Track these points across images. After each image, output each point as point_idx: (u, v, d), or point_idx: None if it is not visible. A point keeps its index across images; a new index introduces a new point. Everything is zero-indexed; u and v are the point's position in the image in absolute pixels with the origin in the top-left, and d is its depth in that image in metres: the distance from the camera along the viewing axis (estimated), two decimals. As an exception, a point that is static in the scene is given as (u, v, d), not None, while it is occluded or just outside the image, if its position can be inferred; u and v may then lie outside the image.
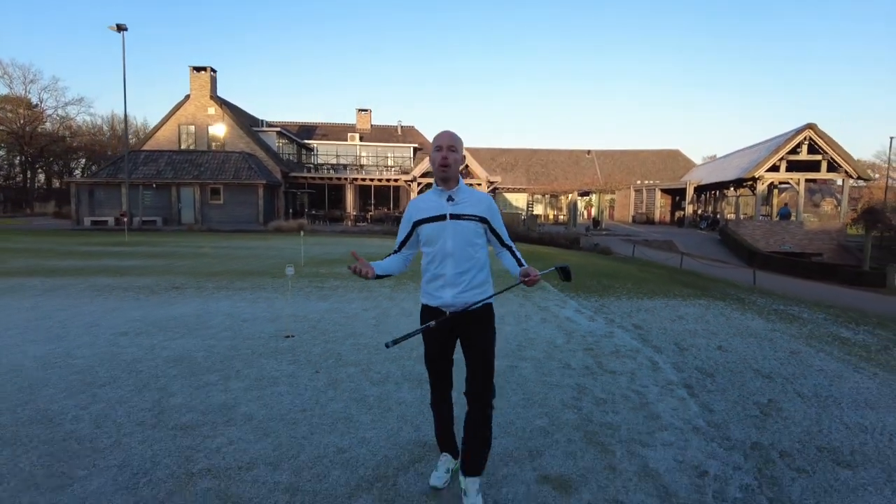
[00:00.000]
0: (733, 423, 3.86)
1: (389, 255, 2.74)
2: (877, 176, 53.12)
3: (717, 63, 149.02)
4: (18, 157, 63.36)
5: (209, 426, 3.59)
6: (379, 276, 2.60)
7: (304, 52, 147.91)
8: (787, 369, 5.24)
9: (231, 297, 8.50)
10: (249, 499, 2.73)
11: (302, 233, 18.80)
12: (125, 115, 29.84)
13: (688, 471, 3.14)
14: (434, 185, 2.71)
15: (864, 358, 5.82)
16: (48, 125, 63.26)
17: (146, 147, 35.08)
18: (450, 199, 2.65)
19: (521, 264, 2.69)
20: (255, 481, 2.90)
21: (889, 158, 37.90)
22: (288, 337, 5.98)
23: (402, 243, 2.75)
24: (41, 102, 63.74)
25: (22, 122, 59.81)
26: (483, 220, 2.66)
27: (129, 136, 75.92)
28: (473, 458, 2.66)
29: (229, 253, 16.32)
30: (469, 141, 52.44)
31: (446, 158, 2.62)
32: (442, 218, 2.62)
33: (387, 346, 2.49)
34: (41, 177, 70.40)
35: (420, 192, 38.10)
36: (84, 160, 71.00)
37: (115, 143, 71.55)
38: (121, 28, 27.39)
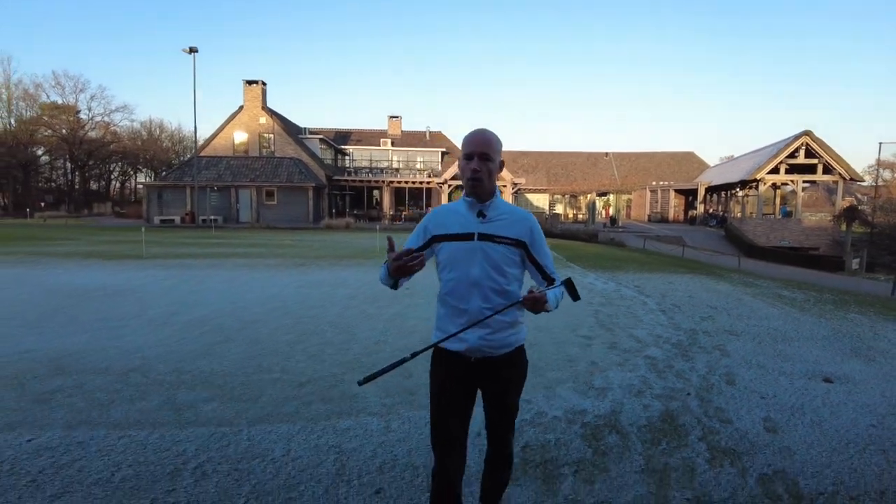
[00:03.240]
0: (683, 322, 7.21)
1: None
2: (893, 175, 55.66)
3: (733, 65, 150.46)
4: (67, 162, 67.95)
5: (389, 323, 7.05)
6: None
7: (338, 63, 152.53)
8: (729, 306, 8.56)
9: (346, 269, 12.06)
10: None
11: (378, 229, 22.26)
12: (195, 128, 33.83)
13: (652, 336, 6.48)
14: (463, 195, 2.12)
15: (784, 303, 9.13)
16: (93, 132, 67.72)
17: (205, 153, 39.01)
18: (481, 214, 2.05)
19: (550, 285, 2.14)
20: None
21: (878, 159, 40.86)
22: (407, 289, 9.45)
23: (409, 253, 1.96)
24: (90, 110, 68.41)
25: (71, 128, 64.34)
26: (520, 243, 2.07)
27: (179, 143, 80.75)
28: (492, 494, 2.33)
29: (309, 244, 19.98)
30: (492, 144, 55.34)
31: (477, 171, 2.00)
32: (468, 237, 2.03)
33: (359, 384, 1.92)
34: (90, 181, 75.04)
35: (450, 195, 41.63)
36: (121, 164, 75.86)
37: (155, 148, 76.32)
38: (192, 50, 31.29)
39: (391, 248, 1.95)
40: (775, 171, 32.59)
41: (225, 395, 4.11)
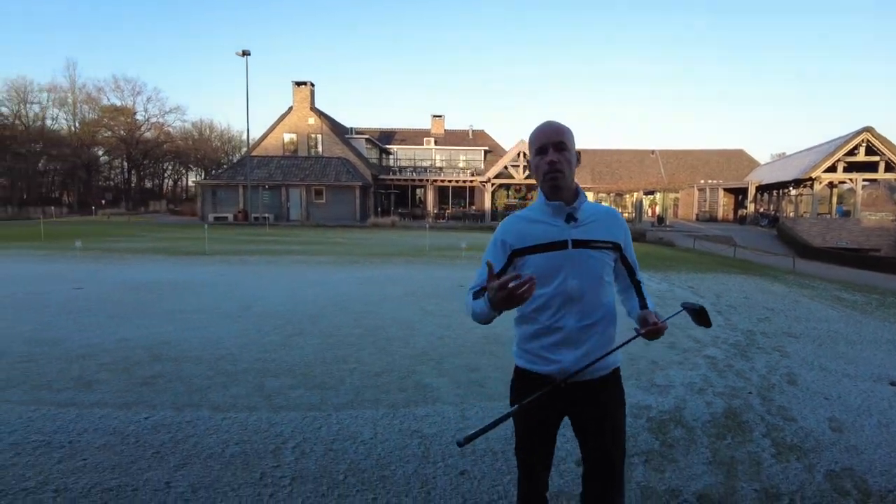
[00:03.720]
0: (740, 323, 7.22)
1: (475, 291, 1.82)
2: None
3: (785, 60, 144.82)
4: (124, 161, 71.18)
5: (448, 318, 7.32)
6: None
7: (382, 63, 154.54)
8: (786, 307, 8.48)
9: (399, 266, 12.42)
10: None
11: (427, 227, 22.74)
12: (247, 129, 35.25)
13: (709, 336, 6.51)
14: (540, 199, 1.85)
15: (844, 305, 8.97)
16: (149, 133, 70.71)
17: (255, 153, 40.28)
18: (570, 217, 1.80)
19: (643, 305, 1.93)
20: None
21: None
22: (461, 286, 9.72)
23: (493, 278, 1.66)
24: (146, 111, 71.48)
25: (129, 129, 67.36)
26: (616, 246, 1.85)
27: (228, 142, 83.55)
28: None
29: (359, 242, 20.52)
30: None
31: (556, 162, 1.77)
32: (561, 245, 1.77)
33: (459, 444, 1.62)
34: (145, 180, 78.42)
35: (493, 192, 41.72)
36: (173, 163, 79.07)
37: (206, 148, 79.19)
38: (245, 53, 32.41)
39: (492, 275, 1.62)
40: (832, 169, 31.39)
41: (309, 383, 4.46)
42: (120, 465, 3.10)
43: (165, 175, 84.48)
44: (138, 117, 69.81)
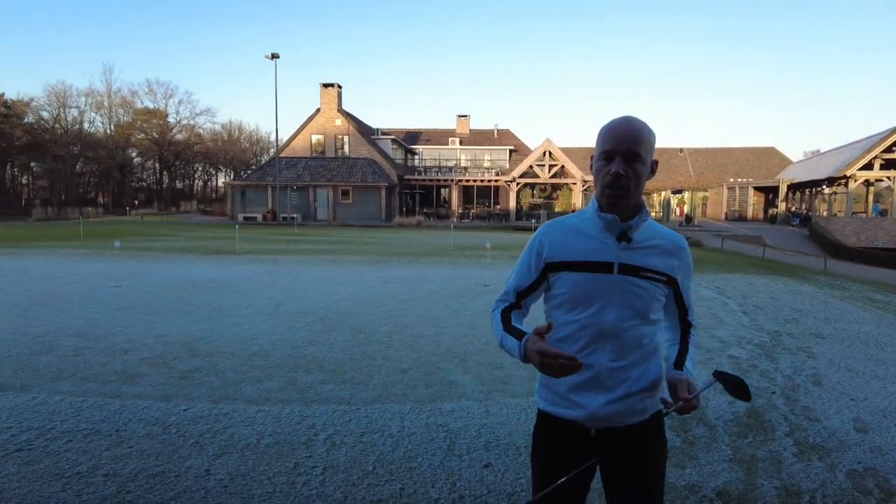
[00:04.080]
0: (766, 324, 7.16)
1: (504, 310, 1.61)
2: None
3: (816, 56, 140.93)
4: (156, 163, 73.06)
5: (474, 318, 7.43)
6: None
7: (408, 63, 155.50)
8: (815, 309, 8.37)
9: (425, 266, 12.57)
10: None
11: (452, 227, 22.89)
12: (276, 131, 35.88)
13: (734, 336, 6.50)
14: (592, 206, 1.54)
15: (877, 306, 8.80)
16: (180, 135, 72.42)
17: (283, 154, 40.99)
18: (624, 236, 1.48)
19: (680, 363, 1.60)
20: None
21: None
22: (486, 286, 9.81)
23: (523, 294, 1.61)
24: (177, 114, 73.24)
25: (161, 131, 69.11)
26: (671, 280, 1.55)
27: (257, 143, 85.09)
28: None
29: (386, 241, 20.79)
30: (562, 140, 55.33)
31: (621, 177, 1.43)
32: (605, 268, 1.47)
33: None
34: (174, 180, 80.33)
35: (518, 192, 41.66)
36: (203, 164, 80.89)
37: (235, 149, 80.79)
38: (274, 56, 33.01)
39: (540, 331, 1.39)
40: (869, 166, 30.54)
41: (338, 378, 4.62)
42: (163, 453, 3.29)
43: (196, 176, 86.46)
44: (170, 120, 71.66)
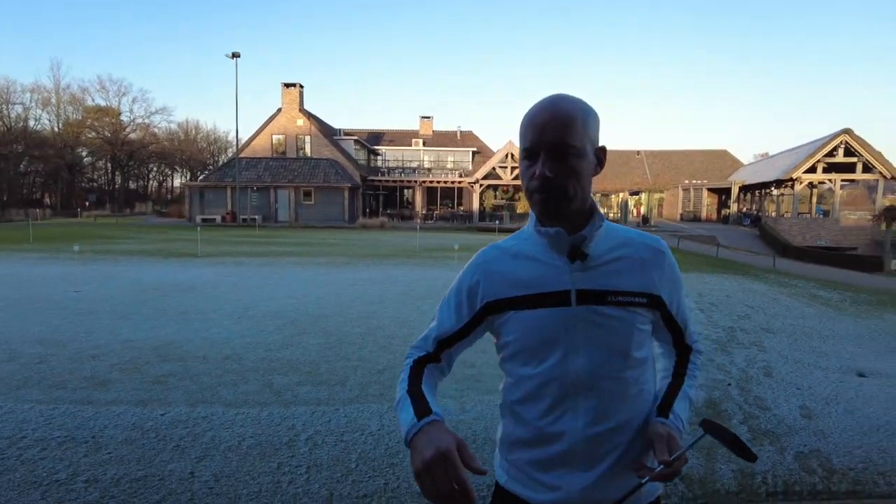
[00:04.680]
0: (721, 320, 7.55)
1: (417, 361, 1.19)
2: None
3: (766, 62, 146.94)
4: (108, 163, 70.51)
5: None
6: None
7: (371, 64, 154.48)
8: (766, 305, 8.85)
9: (393, 267, 12.65)
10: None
11: (418, 228, 22.95)
12: (236, 131, 35.23)
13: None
14: (531, 222, 1.17)
15: (820, 302, 9.36)
16: (134, 134, 70.10)
17: (244, 154, 40.24)
18: (576, 253, 1.10)
19: (665, 407, 1.17)
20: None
21: None
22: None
23: (445, 343, 1.21)
24: (131, 112, 70.88)
25: (114, 130, 66.74)
26: (655, 301, 1.14)
27: (214, 143, 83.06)
28: None
29: (351, 243, 20.72)
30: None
31: (550, 179, 1.06)
32: (560, 299, 1.09)
33: None
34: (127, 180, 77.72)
35: (482, 194, 42.03)
36: (158, 164, 78.45)
37: (192, 149, 78.66)
38: (235, 55, 32.42)
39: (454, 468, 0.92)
40: (812, 169, 32.13)
41: (315, 380, 4.69)
42: (144, 457, 3.31)
43: (150, 176, 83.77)
44: (123, 118, 69.27)
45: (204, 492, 2.94)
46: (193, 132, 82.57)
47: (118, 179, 73.04)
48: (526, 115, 1.12)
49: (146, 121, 71.97)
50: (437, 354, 1.21)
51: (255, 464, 3.24)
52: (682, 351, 1.26)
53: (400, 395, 1.11)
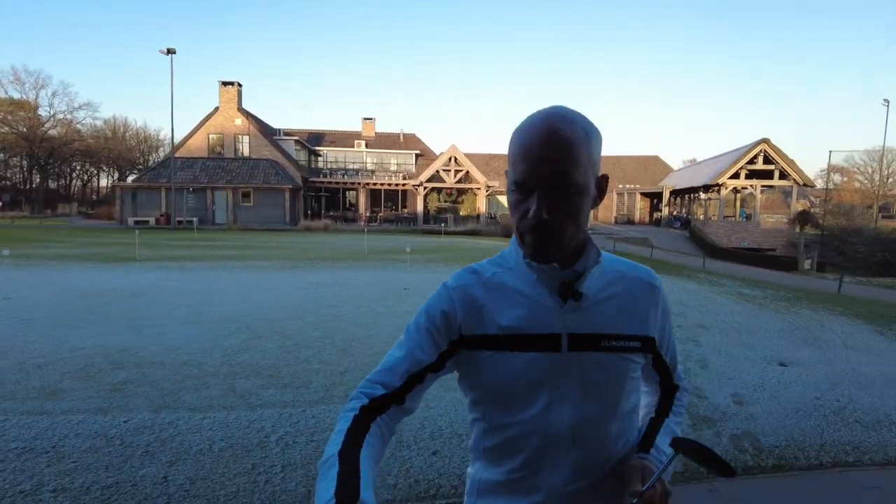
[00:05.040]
0: (658, 317, 8.08)
1: (364, 409, 0.96)
2: (844, 179, 58.76)
3: (697, 70, 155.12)
4: (24, 160, 66.02)
5: (402, 319, 7.78)
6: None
7: (310, 64, 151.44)
8: (699, 303, 9.50)
9: (343, 270, 12.66)
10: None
11: (365, 230, 22.81)
12: (171, 129, 33.68)
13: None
14: (516, 247, 1.03)
15: (746, 300, 10.13)
16: (55, 130, 65.94)
17: (179, 154, 38.74)
18: (567, 290, 0.97)
19: (647, 446, 1.07)
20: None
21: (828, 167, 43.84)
22: (406, 289, 10.13)
23: (419, 376, 1.00)
24: (52, 107, 66.60)
25: (31, 125, 62.53)
26: (648, 343, 1.04)
27: (145, 142, 79.20)
28: None
29: (296, 246, 20.44)
30: (467, 147, 56.73)
31: (544, 223, 0.91)
32: (548, 343, 0.96)
33: None
34: (40, 179, 73.03)
35: (426, 196, 42.25)
36: (83, 163, 74.05)
37: (120, 148, 74.67)
38: (170, 51, 31.22)
39: None
40: (736, 175, 34.34)
41: (278, 383, 4.74)
42: (112, 464, 3.29)
43: (73, 175, 78.94)
44: (42, 113, 64.98)
45: (180, 494, 2.98)
46: (122, 130, 78.47)
47: (36, 178, 68.44)
48: (516, 138, 0.93)
49: (68, 116, 67.82)
50: (402, 393, 0.99)
51: (229, 465, 3.30)
52: (667, 390, 1.17)
53: (328, 454, 0.86)
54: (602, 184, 0.99)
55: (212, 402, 4.30)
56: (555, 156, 0.89)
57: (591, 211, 1.01)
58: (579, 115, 0.95)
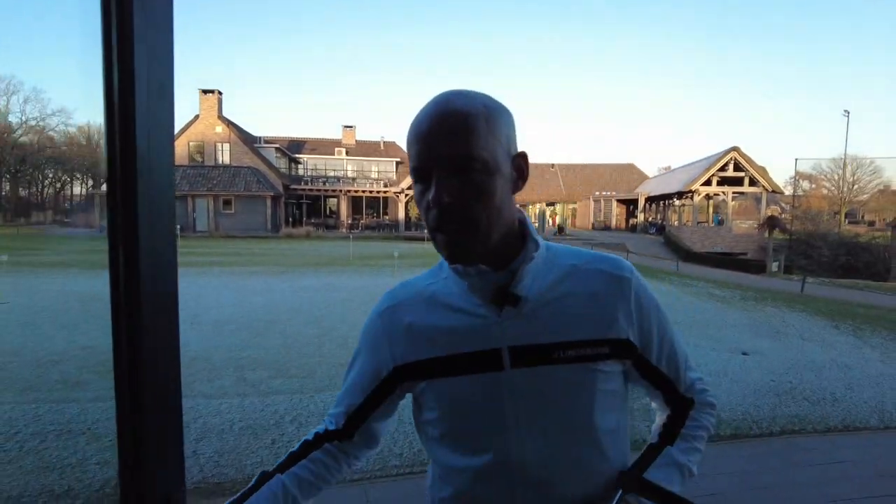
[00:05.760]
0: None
1: (305, 444, 0.91)
2: (813, 186, 60.89)
3: (672, 77, 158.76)
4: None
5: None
6: None
7: (291, 71, 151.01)
8: (672, 302, 10.08)
9: (329, 275, 13.03)
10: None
11: (351, 237, 23.05)
12: (151, 136, 33.49)
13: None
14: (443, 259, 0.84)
15: (715, 300, 10.77)
16: (26, 137, 64.79)
17: (158, 162, 38.46)
18: (502, 295, 0.81)
19: (637, 471, 0.85)
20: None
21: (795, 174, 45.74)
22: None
23: (357, 415, 0.91)
24: (24, 113, 65.47)
25: (1, 132, 61.33)
26: (622, 347, 0.83)
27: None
28: None
29: (280, 253, 20.70)
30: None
31: (450, 204, 0.74)
32: (488, 362, 0.81)
33: None
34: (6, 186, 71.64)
35: (407, 203, 42.69)
36: (55, 171, 72.83)
37: (96, 155, 73.58)
38: (149, 59, 31.15)
39: None
40: (708, 182, 35.49)
41: (284, 374, 5.14)
42: (144, 442, 3.67)
43: (46, 183, 77.60)
44: (13, 119, 63.84)
45: (211, 465, 3.38)
46: (97, 137, 77.37)
47: (6, 186, 67.11)
48: (411, 125, 0.80)
49: (41, 123, 66.73)
50: (347, 431, 0.91)
51: (251, 441, 3.70)
52: (676, 407, 0.94)
53: (253, 481, 0.86)
54: (521, 163, 0.82)
55: (225, 390, 4.68)
56: (448, 127, 0.75)
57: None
58: (480, 93, 0.81)
